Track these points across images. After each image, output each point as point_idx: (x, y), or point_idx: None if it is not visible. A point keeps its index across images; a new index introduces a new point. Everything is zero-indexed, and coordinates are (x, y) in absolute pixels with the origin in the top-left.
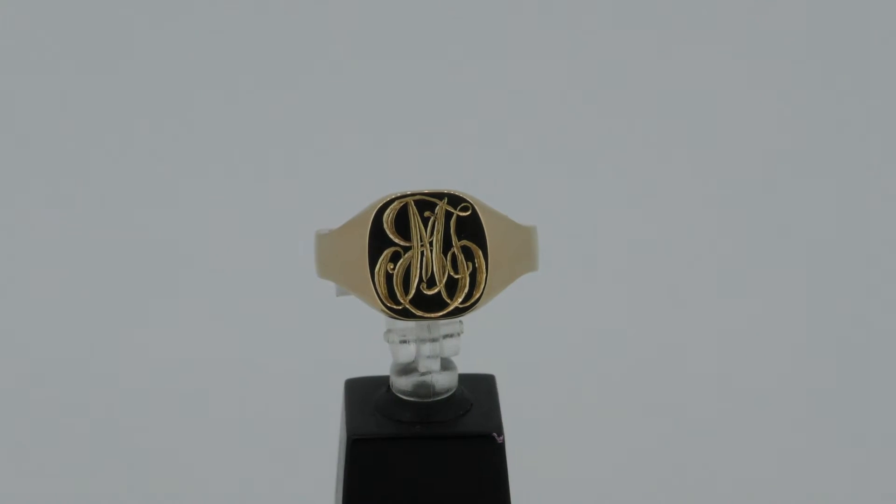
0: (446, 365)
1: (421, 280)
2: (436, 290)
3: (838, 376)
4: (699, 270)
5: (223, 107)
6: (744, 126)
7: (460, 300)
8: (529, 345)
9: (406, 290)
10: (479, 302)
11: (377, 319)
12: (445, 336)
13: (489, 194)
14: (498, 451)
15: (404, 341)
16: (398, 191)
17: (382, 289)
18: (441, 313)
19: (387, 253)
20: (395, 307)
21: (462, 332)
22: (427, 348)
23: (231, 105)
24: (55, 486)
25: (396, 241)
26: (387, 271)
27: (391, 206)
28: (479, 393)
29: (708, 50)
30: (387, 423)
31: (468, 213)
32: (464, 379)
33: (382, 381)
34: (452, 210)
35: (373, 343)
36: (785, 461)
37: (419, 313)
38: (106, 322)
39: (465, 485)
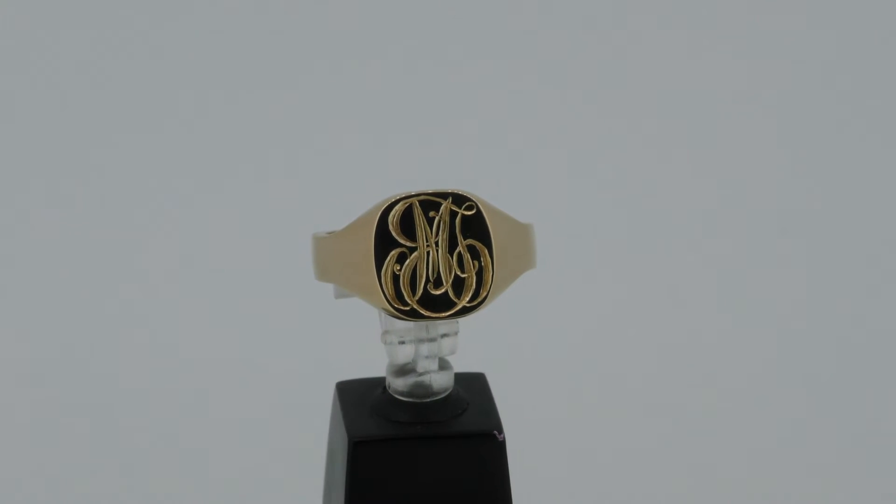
0: (443, 365)
1: (428, 280)
2: (443, 290)
3: (838, 376)
4: (699, 270)
5: (223, 107)
6: (744, 126)
7: (467, 299)
8: (528, 344)
9: (413, 290)
10: (486, 300)
11: (374, 321)
12: (443, 335)
13: (489, 193)
14: (499, 449)
15: (403, 342)
16: (402, 191)
17: (389, 290)
18: (449, 313)
19: (393, 254)
20: (402, 308)
21: (458, 331)
22: (425, 348)
23: (231, 105)
24: (55, 485)
25: (402, 241)
26: (393, 272)
27: (396, 207)
28: (472, 392)
29: (708, 50)
30: (387, 425)
31: (473, 212)
32: (455, 378)
33: (376, 383)
34: (457, 209)
35: (371, 344)
36: (785, 461)
37: (427, 313)
38: (106, 322)
39: (467, 483)
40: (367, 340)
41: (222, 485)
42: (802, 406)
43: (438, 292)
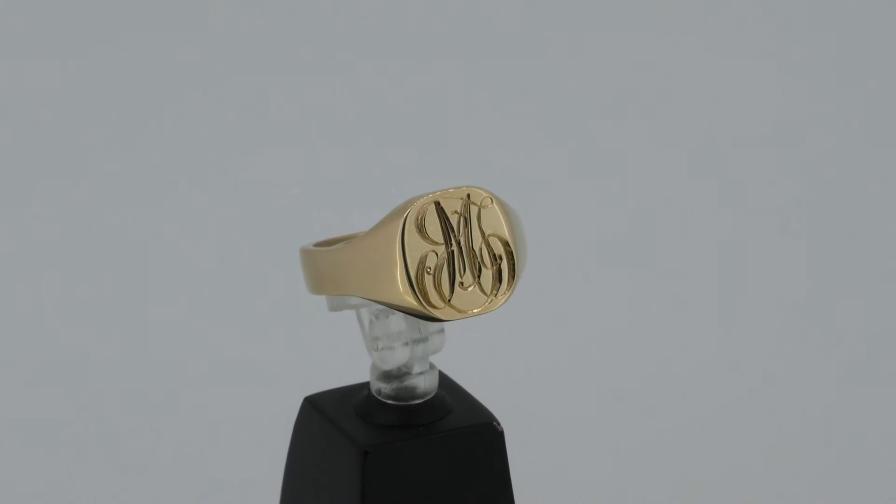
0: (431, 365)
1: (456, 279)
2: (471, 287)
3: (839, 376)
4: (698, 269)
5: (223, 107)
6: (744, 125)
7: (495, 293)
8: (527, 342)
9: (443, 290)
10: (511, 292)
11: (355, 329)
12: (433, 333)
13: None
14: (499, 440)
15: (397, 345)
16: (422, 193)
17: (423, 293)
18: (479, 309)
19: (421, 256)
20: (435, 309)
21: (444, 328)
22: (420, 349)
23: (231, 105)
24: (55, 486)
25: (427, 243)
26: (423, 275)
27: (418, 210)
28: (443, 388)
29: (708, 49)
30: (386, 430)
31: (490, 206)
32: None
33: (349, 392)
34: (476, 205)
35: (346, 352)
36: (785, 461)
37: (459, 312)
38: (106, 322)
39: (470, 477)
40: (346, 347)
41: (222, 485)
42: (802, 406)
43: (467, 289)
